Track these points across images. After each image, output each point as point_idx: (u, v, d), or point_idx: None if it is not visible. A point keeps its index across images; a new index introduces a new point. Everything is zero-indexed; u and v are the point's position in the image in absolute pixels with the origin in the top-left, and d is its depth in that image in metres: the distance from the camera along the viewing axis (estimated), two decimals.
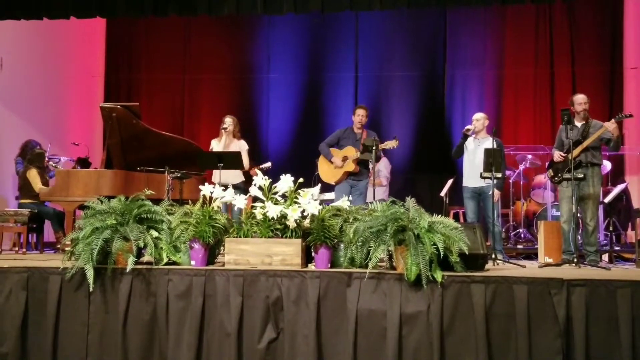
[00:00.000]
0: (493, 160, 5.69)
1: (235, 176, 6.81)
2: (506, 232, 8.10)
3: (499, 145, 6.17)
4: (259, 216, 4.22)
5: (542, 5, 9.45)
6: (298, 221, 4.17)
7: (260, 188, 4.36)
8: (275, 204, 4.21)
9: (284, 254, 4.12)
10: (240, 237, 4.26)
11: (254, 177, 4.41)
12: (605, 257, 6.69)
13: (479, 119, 6.49)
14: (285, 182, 4.27)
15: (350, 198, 4.64)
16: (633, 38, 9.11)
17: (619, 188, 7.72)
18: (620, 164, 8.99)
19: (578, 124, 5.80)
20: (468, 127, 6.46)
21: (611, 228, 7.22)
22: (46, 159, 7.21)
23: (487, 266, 4.50)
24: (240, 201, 4.39)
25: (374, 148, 6.11)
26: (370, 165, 6.45)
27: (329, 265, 4.14)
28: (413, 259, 3.76)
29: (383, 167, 8.02)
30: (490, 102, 9.70)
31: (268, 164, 7.46)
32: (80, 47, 9.68)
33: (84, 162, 7.85)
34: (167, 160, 6.23)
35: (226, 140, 7.01)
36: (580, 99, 5.81)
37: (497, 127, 7.89)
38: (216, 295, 4.04)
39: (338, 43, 10.07)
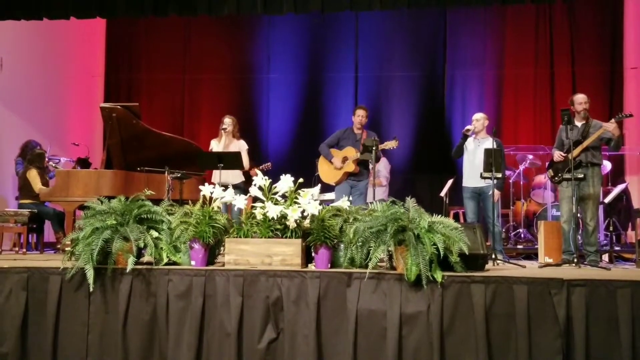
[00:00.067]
0: (493, 161, 5.69)
1: (235, 176, 6.82)
2: (506, 232, 8.10)
3: (499, 145, 6.17)
4: (259, 216, 4.22)
5: (542, 5, 9.44)
6: (298, 221, 4.17)
7: (260, 188, 4.35)
8: (275, 204, 4.21)
9: (284, 254, 4.12)
10: (240, 237, 4.26)
11: (254, 177, 4.41)
12: (606, 257, 6.68)
13: (479, 119, 6.49)
14: (285, 182, 4.27)
15: (351, 198, 4.64)
16: (633, 38, 9.10)
17: (619, 188, 7.71)
18: (621, 164, 8.99)
19: (578, 123, 5.79)
20: (468, 127, 6.46)
21: (611, 228, 7.21)
22: (46, 159, 7.20)
23: (487, 266, 4.50)
24: (240, 201, 4.39)
25: (373, 148, 6.10)
26: (370, 166, 6.45)
27: (329, 265, 4.14)
28: (413, 259, 3.76)
29: (382, 167, 8.01)
30: (490, 102, 9.70)
31: (268, 164, 7.46)
32: (80, 47, 9.68)
33: (84, 163, 7.83)
34: (167, 160, 6.23)
35: (226, 141, 7.01)
36: (580, 99, 5.81)
37: (497, 127, 7.88)
38: (216, 295, 4.04)
39: (338, 43, 10.07)
